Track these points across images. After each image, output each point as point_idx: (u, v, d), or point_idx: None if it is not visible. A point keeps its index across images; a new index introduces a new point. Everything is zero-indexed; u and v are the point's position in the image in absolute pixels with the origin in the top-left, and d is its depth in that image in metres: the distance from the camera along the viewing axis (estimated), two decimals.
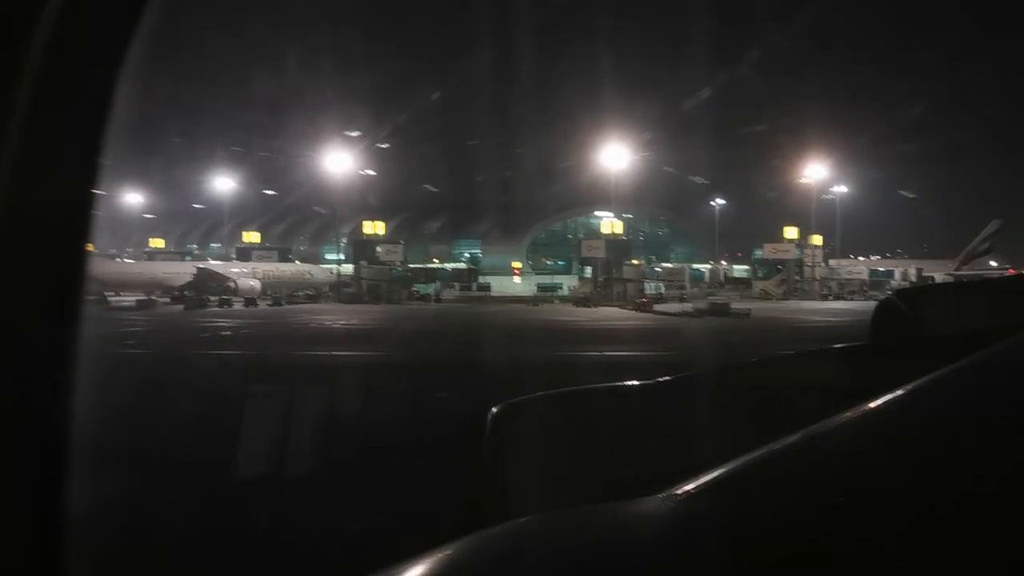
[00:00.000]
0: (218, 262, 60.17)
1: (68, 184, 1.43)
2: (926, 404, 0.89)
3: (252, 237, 68.73)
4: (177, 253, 73.04)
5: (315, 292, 56.93)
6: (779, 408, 1.43)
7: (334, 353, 22.52)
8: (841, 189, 70.20)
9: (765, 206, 78.24)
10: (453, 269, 62.12)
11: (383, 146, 68.69)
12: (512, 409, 1.81)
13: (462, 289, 57.51)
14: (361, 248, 59.42)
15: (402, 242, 61.27)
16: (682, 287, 57.96)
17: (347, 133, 65.19)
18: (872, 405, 0.89)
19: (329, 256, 75.24)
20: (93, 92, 1.45)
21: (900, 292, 2.64)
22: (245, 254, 63.01)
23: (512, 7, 67.79)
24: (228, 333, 29.55)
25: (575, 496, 1.47)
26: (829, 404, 0.95)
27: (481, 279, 60.67)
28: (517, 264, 67.07)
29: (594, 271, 55.15)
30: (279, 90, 73.43)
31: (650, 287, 55.22)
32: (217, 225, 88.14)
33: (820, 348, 2.04)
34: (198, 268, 53.18)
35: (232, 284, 52.02)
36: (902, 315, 2.33)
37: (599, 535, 0.89)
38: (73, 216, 1.44)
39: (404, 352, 22.03)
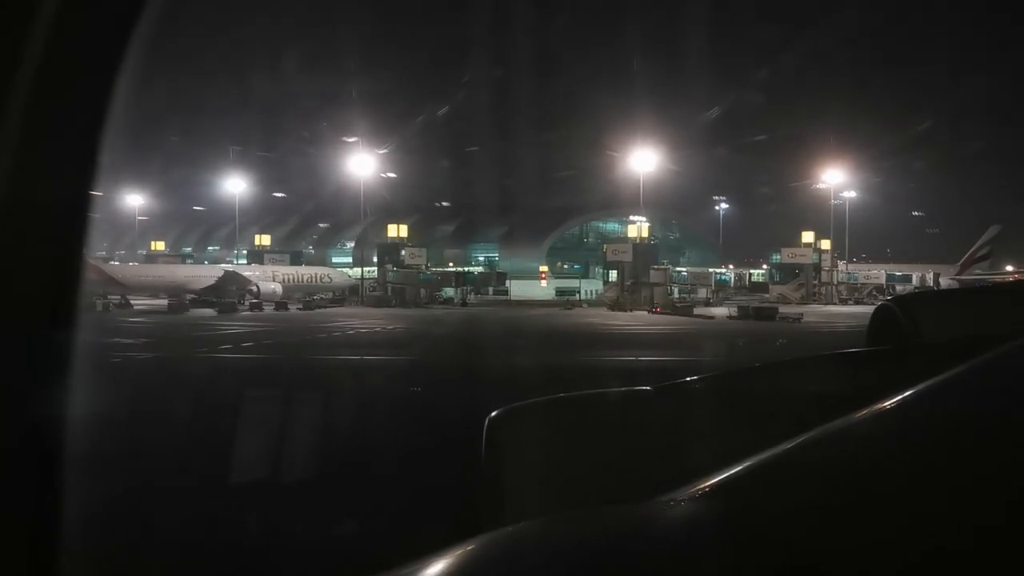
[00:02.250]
0: (229, 265, 59.13)
1: (65, 184, 1.39)
2: (924, 410, 0.89)
3: (263, 240, 67.90)
4: (176, 256, 71.68)
5: (337, 295, 56.36)
6: (779, 413, 1.43)
7: (429, 359, 22.31)
8: (851, 194, 70.83)
9: (775, 211, 79.24)
10: (480, 273, 61.84)
11: (387, 150, 68.35)
12: (508, 415, 1.78)
13: (479, 293, 57.35)
14: (386, 251, 59.18)
15: (422, 246, 60.93)
16: (699, 291, 58.17)
17: (352, 138, 64.88)
18: (871, 410, 0.89)
19: (336, 259, 74.48)
20: (91, 92, 1.41)
21: (897, 299, 2.68)
22: (257, 257, 62.17)
23: (525, 14, 67.93)
24: (308, 338, 29.09)
25: (572, 501, 1.47)
26: (829, 409, 0.96)
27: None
28: (543, 268, 66.81)
29: (620, 275, 55.22)
30: (282, 91, 72.50)
31: (676, 291, 55.48)
32: (214, 228, 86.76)
33: (819, 354, 2.03)
34: (224, 271, 52.28)
35: (254, 288, 51.22)
36: (898, 321, 2.34)
37: (600, 538, 0.88)
38: (70, 217, 1.40)
39: (489, 360, 21.38)
